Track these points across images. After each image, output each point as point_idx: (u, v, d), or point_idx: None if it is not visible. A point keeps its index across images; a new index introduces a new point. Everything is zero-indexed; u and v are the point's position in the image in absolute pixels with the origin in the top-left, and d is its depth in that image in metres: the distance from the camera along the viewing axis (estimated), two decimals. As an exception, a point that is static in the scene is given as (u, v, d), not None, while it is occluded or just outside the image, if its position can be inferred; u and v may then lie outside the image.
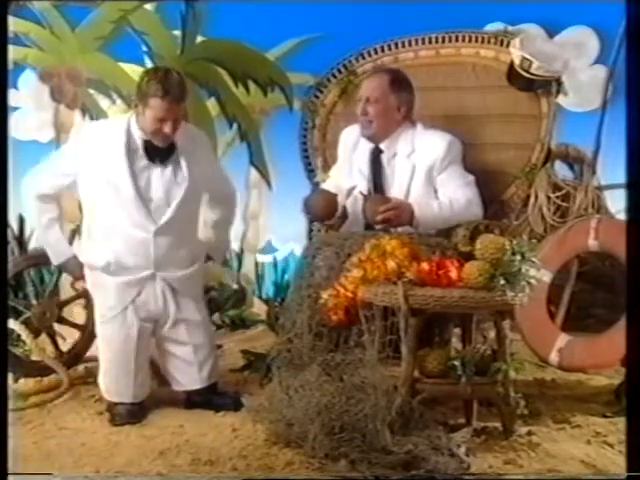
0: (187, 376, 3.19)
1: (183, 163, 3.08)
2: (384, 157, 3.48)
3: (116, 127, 3.10)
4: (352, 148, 3.58)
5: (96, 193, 3.08)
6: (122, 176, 3.02)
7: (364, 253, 2.95)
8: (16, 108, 4.84)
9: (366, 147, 3.53)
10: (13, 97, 4.78)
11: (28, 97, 4.77)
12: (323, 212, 3.46)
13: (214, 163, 3.39)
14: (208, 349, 3.22)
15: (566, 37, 4.15)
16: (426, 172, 3.41)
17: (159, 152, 3.06)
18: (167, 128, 2.98)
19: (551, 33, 4.08)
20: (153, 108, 2.96)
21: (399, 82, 3.47)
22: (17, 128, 4.80)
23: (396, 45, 3.88)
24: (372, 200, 3.37)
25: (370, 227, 3.39)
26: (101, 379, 3.16)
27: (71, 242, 3.93)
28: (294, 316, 3.16)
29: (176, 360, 3.19)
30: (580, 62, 4.15)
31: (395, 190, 3.43)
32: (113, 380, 3.12)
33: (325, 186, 3.64)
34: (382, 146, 3.48)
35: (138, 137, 3.05)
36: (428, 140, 3.44)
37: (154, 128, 3.00)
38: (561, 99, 3.71)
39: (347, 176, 3.57)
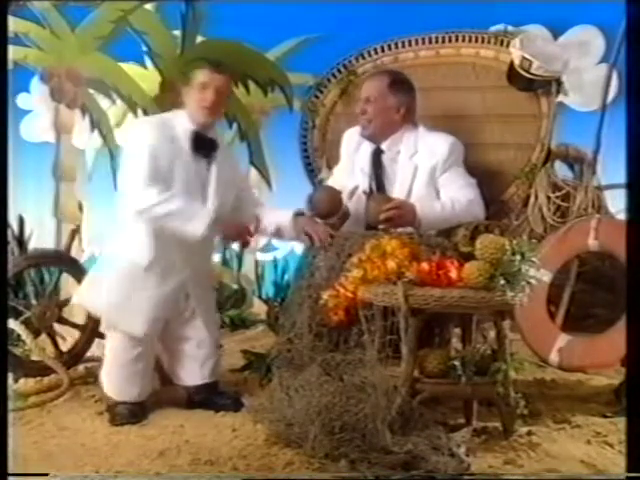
0: (188, 371, 3.20)
1: (223, 163, 3.17)
2: (385, 157, 3.49)
3: (168, 121, 3.17)
4: (354, 149, 3.60)
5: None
6: (174, 171, 3.06)
7: (364, 253, 2.95)
8: (28, 111, 4.86)
9: (368, 148, 3.54)
10: (25, 100, 4.82)
11: (40, 100, 4.78)
12: (328, 208, 3.45)
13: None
14: (212, 346, 3.24)
15: (571, 37, 4.15)
16: (428, 173, 3.42)
17: (204, 144, 3.13)
18: (209, 94, 3.09)
19: (556, 33, 4.08)
20: (195, 79, 3.13)
21: (399, 83, 3.48)
22: (29, 130, 4.83)
23: (396, 45, 3.88)
24: (375, 199, 3.38)
25: (371, 227, 3.39)
26: (104, 377, 3.16)
27: (71, 242, 3.94)
28: (294, 316, 3.16)
29: (180, 355, 3.20)
30: (585, 61, 4.15)
31: (397, 190, 3.44)
32: (118, 378, 3.11)
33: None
34: (383, 146, 3.49)
35: (187, 129, 3.12)
36: (431, 141, 3.45)
37: (198, 97, 3.10)
38: (566, 98, 3.71)
39: (349, 177, 3.58)
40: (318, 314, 3.06)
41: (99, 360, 3.36)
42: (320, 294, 3.02)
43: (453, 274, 2.76)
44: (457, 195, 3.38)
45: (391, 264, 2.83)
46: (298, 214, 3.32)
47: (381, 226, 3.28)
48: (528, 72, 3.55)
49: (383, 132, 3.48)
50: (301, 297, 3.18)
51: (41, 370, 3.50)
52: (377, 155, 3.51)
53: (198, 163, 3.13)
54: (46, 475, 2.51)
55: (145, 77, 4.72)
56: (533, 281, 2.71)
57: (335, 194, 3.45)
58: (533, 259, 2.71)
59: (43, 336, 3.64)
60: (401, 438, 2.54)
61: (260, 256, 5.15)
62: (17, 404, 3.15)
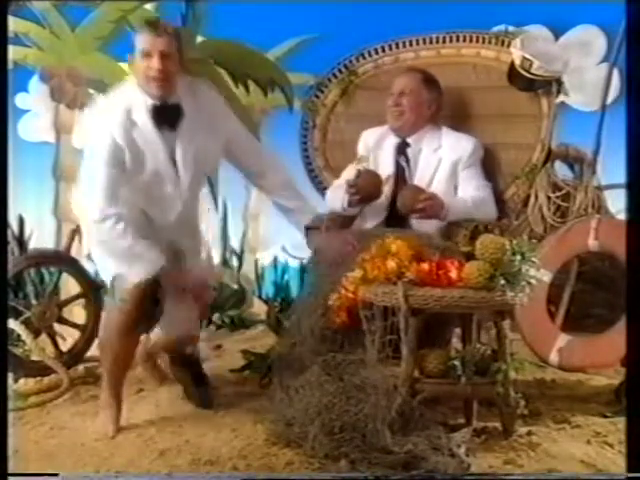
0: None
1: (192, 130, 2.91)
2: (410, 151, 3.53)
3: (124, 96, 2.93)
4: (375, 145, 3.61)
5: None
6: (134, 145, 2.84)
7: (368, 253, 2.95)
8: (28, 111, 4.86)
9: (392, 142, 3.57)
10: (24, 100, 4.81)
11: (39, 100, 4.78)
12: (370, 192, 3.44)
13: (233, 124, 3.10)
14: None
15: (572, 37, 4.15)
16: (451, 166, 3.47)
17: (165, 116, 2.88)
18: (154, 63, 2.80)
19: (557, 33, 4.08)
20: (137, 47, 2.85)
21: (431, 81, 3.55)
22: (29, 130, 4.83)
23: (396, 45, 3.87)
24: (409, 189, 3.41)
25: (392, 219, 3.43)
26: None
27: (71, 242, 3.94)
28: (299, 321, 3.15)
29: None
30: (586, 61, 4.15)
31: (417, 182, 3.47)
32: None
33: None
34: (409, 140, 3.54)
35: (145, 103, 2.88)
36: (455, 139, 3.51)
37: (144, 67, 2.83)
38: (567, 98, 3.71)
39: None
40: (323, 318, 3.06)
41: (99, 360, 3.36)
42: (326, 298, 3.02)
43: (453, 274, 2.75)
44: (474, 193, 3.43)
45: (391, 264, 2.83)
46: (311, 228, 3.16)
47: (413, 215, 3.34)
48: (529, 72, 3.55)
49: (413, 126, 3.52)
50: (306, 302, 3.18)
51: (41, 370, 3.50)
52: (402, 148, 3.55)
53: (166, 136, 2.88)
54: (47, 475, 2.51)
55: (145, 77, 4.72)
56: (533, 281, 2.71)
57: (377, 178, 3.47)
58: (533, 259, 2.71)
59: (43, 336, 3.64)
60: (401, 438, 2.54)
61: (260, 256, 5.15)
62: (17, 404, 3.15)
